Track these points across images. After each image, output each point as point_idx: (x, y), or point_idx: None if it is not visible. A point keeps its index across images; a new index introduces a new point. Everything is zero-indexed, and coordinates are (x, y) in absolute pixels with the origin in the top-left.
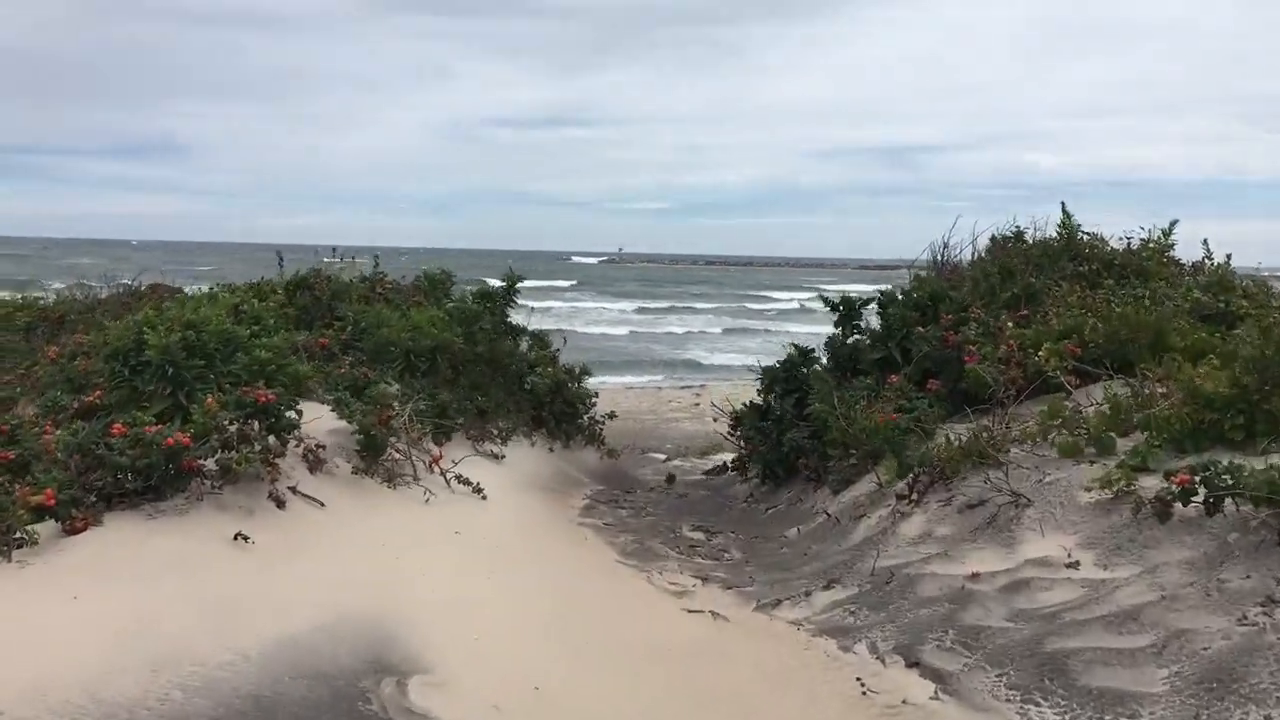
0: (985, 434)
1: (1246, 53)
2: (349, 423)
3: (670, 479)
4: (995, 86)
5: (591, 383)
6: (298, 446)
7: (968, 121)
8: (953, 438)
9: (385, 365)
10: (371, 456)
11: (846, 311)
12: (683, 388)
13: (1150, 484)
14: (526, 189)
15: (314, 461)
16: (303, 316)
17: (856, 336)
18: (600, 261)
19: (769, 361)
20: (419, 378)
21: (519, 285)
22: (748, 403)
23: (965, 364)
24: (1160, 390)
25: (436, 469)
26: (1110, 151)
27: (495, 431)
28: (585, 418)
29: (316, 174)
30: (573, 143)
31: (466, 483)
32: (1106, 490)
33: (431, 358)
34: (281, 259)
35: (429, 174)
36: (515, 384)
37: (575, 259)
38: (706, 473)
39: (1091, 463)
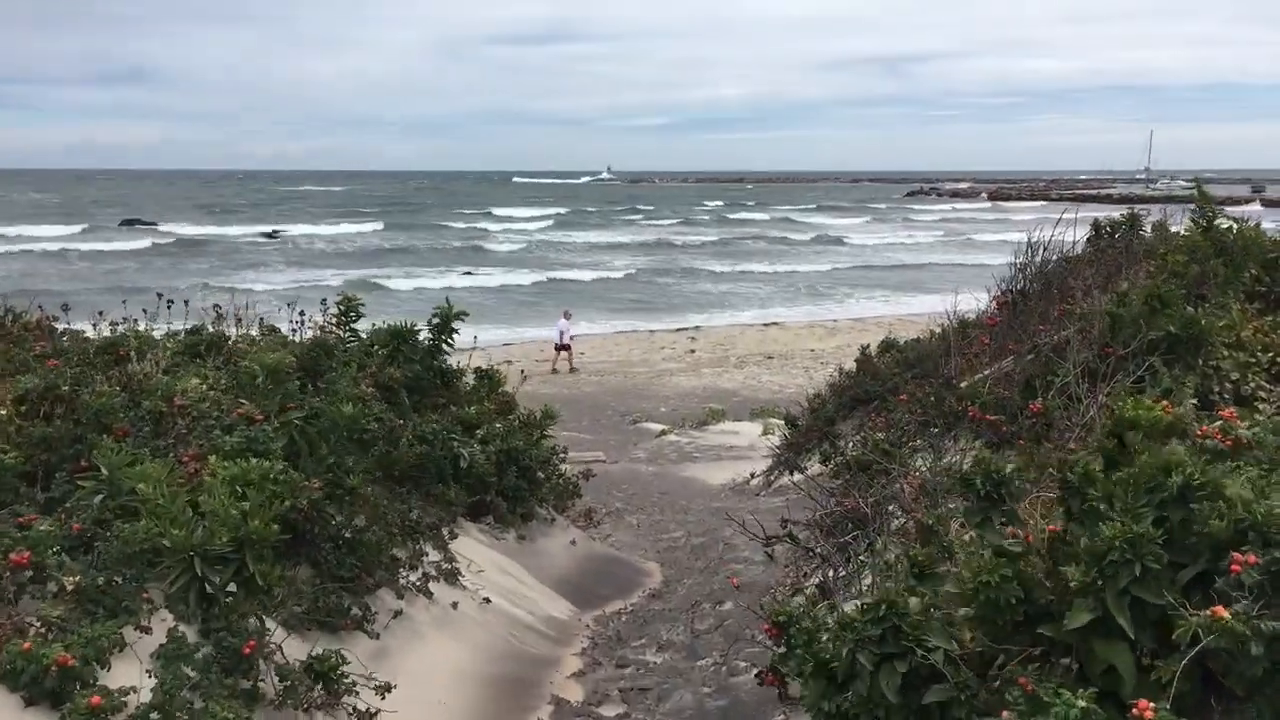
0: None
1: None
2: None
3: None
4: None
5: (577, 331)
6: None
7: (964, 28)
8: None
9: (142, 587)
10: None
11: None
12: (676, 330)
13: None
14: (522, 108)
15: None
16: (39, 464)
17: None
18: (587, 182)
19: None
20: (219, 596)
21: (455, 322)
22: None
23: None
24: None
25: None
26: (1111, 55)
27: (356, 675)
28: (554, 478)
29: (305, 97)
30: (567, 59)
31: None
32: None
33: (239, 558)
34: (66, 308)
35: (420, 96)
36: (448, 468)
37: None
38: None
39: None
